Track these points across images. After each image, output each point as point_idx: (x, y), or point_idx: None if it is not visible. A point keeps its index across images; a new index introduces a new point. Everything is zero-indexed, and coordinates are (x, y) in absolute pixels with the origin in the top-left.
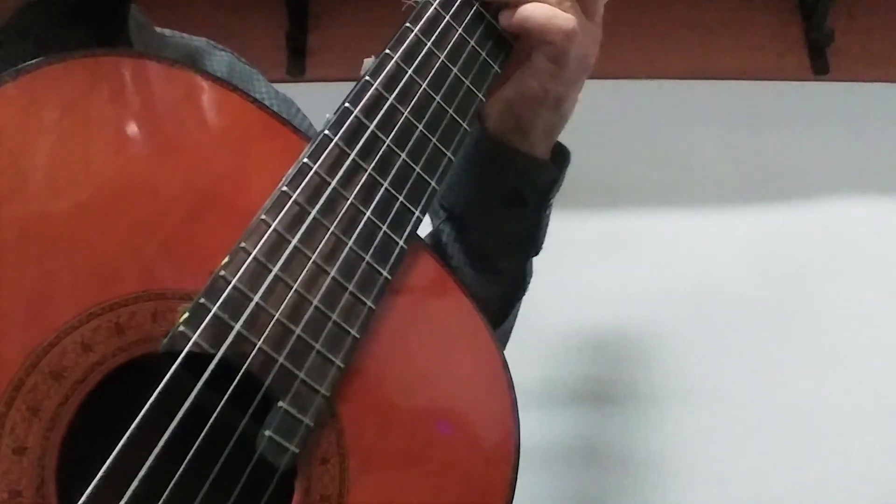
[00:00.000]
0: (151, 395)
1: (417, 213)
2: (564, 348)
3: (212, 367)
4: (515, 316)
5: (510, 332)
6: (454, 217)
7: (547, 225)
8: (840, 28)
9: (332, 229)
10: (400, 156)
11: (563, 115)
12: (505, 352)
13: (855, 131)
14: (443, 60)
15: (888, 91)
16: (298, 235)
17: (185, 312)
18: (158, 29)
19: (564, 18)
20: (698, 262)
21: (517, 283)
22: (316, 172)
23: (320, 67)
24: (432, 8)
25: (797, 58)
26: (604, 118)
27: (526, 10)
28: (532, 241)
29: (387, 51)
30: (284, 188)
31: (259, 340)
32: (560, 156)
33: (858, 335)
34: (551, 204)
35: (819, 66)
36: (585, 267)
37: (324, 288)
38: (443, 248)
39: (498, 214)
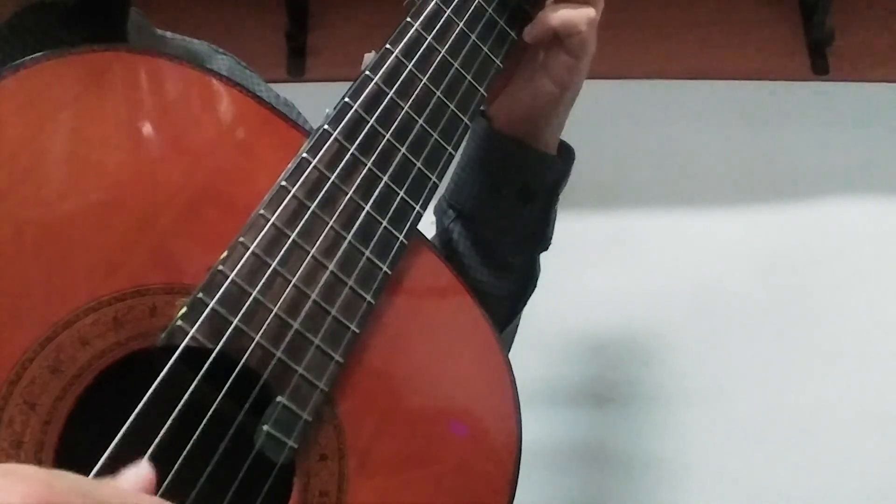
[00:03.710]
0: (149, 389)
1: (418, 208)
2: (565, 348)
3: (210, 361)
4: (519, 318)
5: (514, 334)
6: (464, 215)
7: (555, 220)
8: (840, 28)
9: (331, 224)
10: (400, 151)
11: (571, 106)
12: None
13: (855, 131)
14: (444, 55)
15: (888, 91)
16: (297, 230)
17: (183, 307)
18: (159, 31)
19: (581, 9)
20: (698, 261)
21: (527, 278)
22: (315, 167)
23: (320, 67)
24: (433, 3)
25: (797, 58)
26: (604, 118)
27: (546, 17)
28: (541, 235)
29: (387, 46)
30: (283, 183)
31: (257, 335)
32: (565, 151)
33: (859, 334)
34: (557, 199)
35: (819, 66)
36: (586, 267)
37: (323, 282)
38: (454, 247)
39: (507, 210)
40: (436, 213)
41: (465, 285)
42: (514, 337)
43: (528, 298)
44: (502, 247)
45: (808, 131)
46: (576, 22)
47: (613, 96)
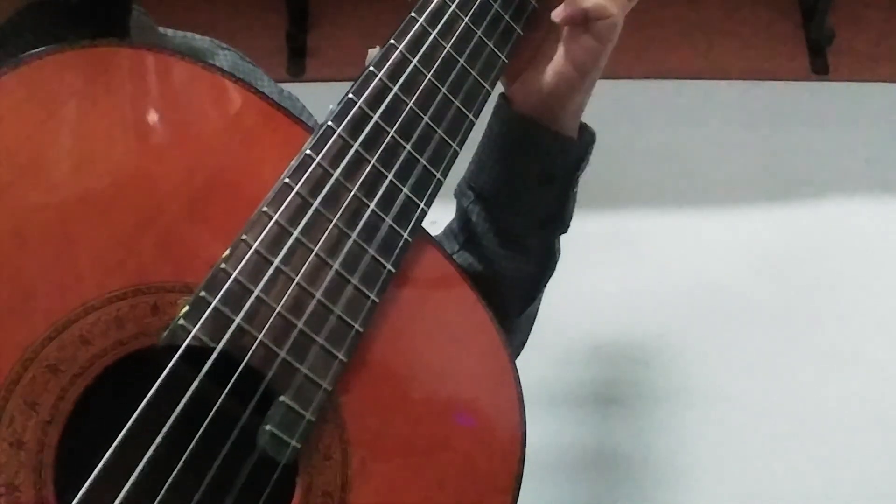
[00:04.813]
0: (151, 388)
1: (422, 205)
2: (566, 348)
3: (211, 360)
4: (540, 299)
5: (535, 315)
6: (483, 198)
7: (574, 203)
8: (840, 28)
9: (335, 221)
10: (405, 147)
11: (590, 92)
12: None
13: (855, 131)
14: (449, 51)
15: (888, 91)
16: (300, 228)
17: (185, 305)
18: (161, 29)
19: None
20: (699, 262)
21: (547, 260)
22: (318, 164)
23: (320, 67)
24: None
25: (797, 58)
26: (604, 118)
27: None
28: (560, 218)
29: (391, 41)
30: (286, 180)
31: (260, 334)
32: (586, 133)
33: (859, 334)
34: (577, 181)
35: (819, 66)
36: (587, 267)
37: (326, 281)
38: (473, 228)
39: (527, 193)
40: (455, 194)
41: (469, 282)
42: (534, 320)
43: (547, 280)
44: (522, 229)
45: (807, 131)
46: (607, 5)
47: (613, 96)
